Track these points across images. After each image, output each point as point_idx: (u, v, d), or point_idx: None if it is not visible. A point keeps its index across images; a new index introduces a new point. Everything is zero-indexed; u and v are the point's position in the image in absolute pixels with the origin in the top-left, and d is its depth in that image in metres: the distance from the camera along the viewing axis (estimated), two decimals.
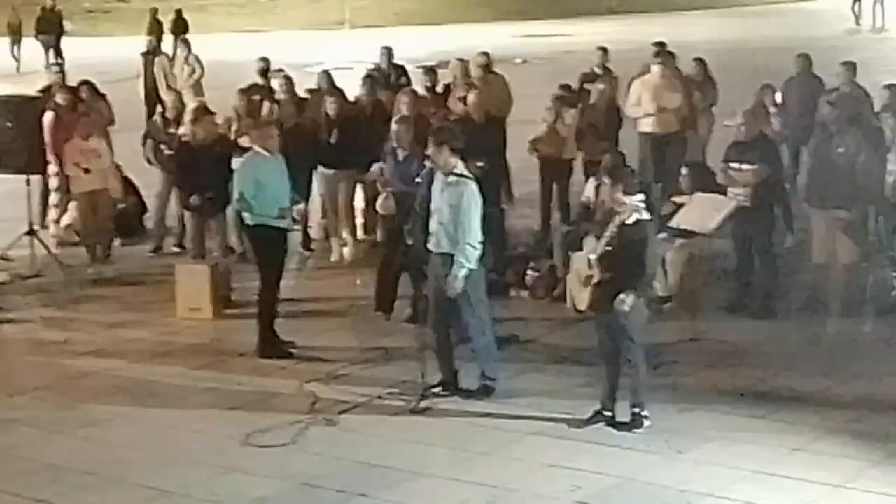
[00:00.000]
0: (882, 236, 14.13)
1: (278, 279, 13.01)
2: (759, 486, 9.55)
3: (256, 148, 13.08)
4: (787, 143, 17.50)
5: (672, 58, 18.60)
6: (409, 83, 19.00)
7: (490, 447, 10.48)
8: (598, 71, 19.43)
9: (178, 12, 41.39)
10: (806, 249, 13.91)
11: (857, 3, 46.27)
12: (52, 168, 17.28)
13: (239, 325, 13.32)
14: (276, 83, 17.65)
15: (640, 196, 10.71)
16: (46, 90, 18.89)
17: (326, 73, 18.18)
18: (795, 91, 18.18)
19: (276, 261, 13.00)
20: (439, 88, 18.41)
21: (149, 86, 25.27)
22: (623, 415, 10.74)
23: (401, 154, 13.48)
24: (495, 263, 13.49)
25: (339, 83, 18.14)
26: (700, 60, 19.01)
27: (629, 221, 10.52)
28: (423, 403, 11.33)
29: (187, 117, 15.62)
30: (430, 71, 18.67)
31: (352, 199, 16.44)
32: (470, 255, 11.30)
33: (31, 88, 19.22)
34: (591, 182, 14.07)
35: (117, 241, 17.20)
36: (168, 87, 24.91)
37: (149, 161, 17.21)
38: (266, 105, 17.18)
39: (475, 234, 11.34)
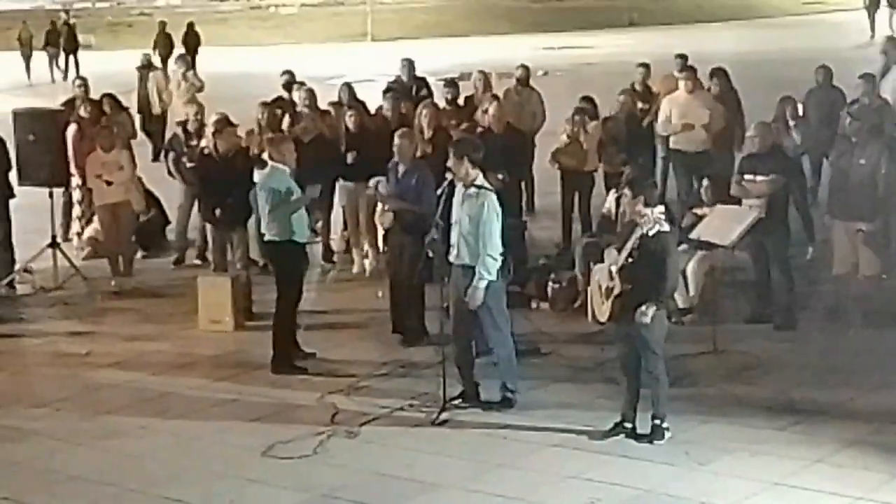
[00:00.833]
0: None
1: (298, 295, 13.02)
2: (779, 499, 9.53)
3: (273, 163, 13.10)
4: (808, 154, 17.46)
5: (694, 72, 18.28)
6: (430, 95, 19.02)
7: (510, 459, 10.48)
8: (638, 88, 18.81)
9: (190, 25, 41.29)
10: (827, 261, 13.88)
11: (873, 16, 46.04)
12: (76, 181, 17.36)
13: (260, 337, 13.35)
14: (297, 96, 17.70)
15: (661, 208, 10.72)
16: (69, 103, 18.99)
17: (348, 86, 18.21)
18: (816, 103, 18.12)
19: (295, 277, 13.01)
20: (461, 101, 18.42)
21: (142, 100, 25.43)
22: (644, 427, 10.73)
23: (401, 169, 13.50)
24: (516, 275, 13.48)
25: (361, 96, 18.17)
26: (722, 72, 18.83)
27: (650, 233, 10.53)
28: (444, 415, 11.34)
29: (209, 130, 15.66)
30: (452, 83, 18.67)
31: (373, 211, 16.46)
32: (490, 266, 11.31)
33: (43, 101, 19.30)
34: (613, 194, 14.07)
35: (139, 254, 17.26)
36: (161, 101, 25.12)
37: (170, 173, 17.25)
38: (287, 118, 17.22)
39: (496, 246, 11.36)
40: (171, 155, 17.17)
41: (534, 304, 14.60)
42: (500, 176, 13.84)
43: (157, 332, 14.38)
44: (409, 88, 19.30)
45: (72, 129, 17.19)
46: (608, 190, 14.95)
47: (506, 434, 11.00)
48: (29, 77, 41.40)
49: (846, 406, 11.29)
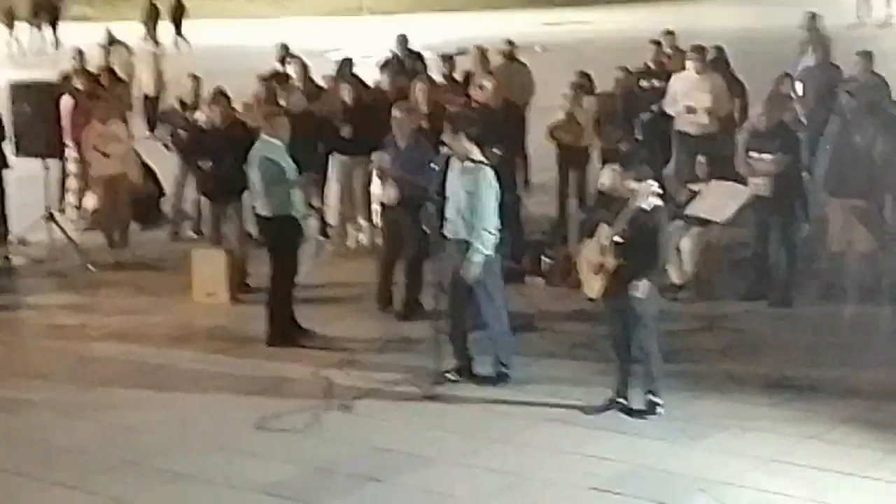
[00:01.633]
0: None
1: (293, 269, 13.01)
2: (773, 475, 9.54)
3: (266, 136, 13.04)
4: (804, 131, 17.44)
5: (703, 51, 17.83)
6: (425, 70, 18.98)
7: (504, 433, 10.50)
8: (651, 66, 18.56)
9: None
10: (823, 238, 13.89)
11: None
12: (70, 153, 17.34)
13: (255, 311, 13.34)
14: (290, 70, 17.65)
15: (653, 182, 10.69)
16: (66, 76, 18.97)
17: (348, 61, 18.11)
18: (813, 80, 18.11)
19: (291, 251, 12.99)
20: (457, 75, 18.39)
21: None
22: (637, 402, 10.74)
23: (400, 143, 13.47)
24: (511, 250, 13.48)
25: (356, 70, 18.13)
26: (718, 50, 18.76)
27: (646, 207, 10.51)
28: (438, 390, 11.35)
29: (203, 102, 15.63)
30: (447, 58, 18.64)
31: (368, 184, 16.46)
32: (486, 241, 11.31)
33: (27, 73, 19.27)
34: (607, 168, 14.06)
35: (135, 226, 17.24)
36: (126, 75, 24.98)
37: (166, 146, 17.23)
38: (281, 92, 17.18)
39: (492, 221, 11.35)
40: (168, 127, 17.15)
41: (528, 280, 14.61)
42: (496, 151, 13.80)
43: (152, 305, 14.38)
44: (403, 63, 19.27)
45: (67, 101, 17.16)
46: (604, 165, 14.95)
47: (500, 409, 11.00)
48: (18, 48, 41.26)
49: (841, 383, 11.29)
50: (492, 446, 10.28)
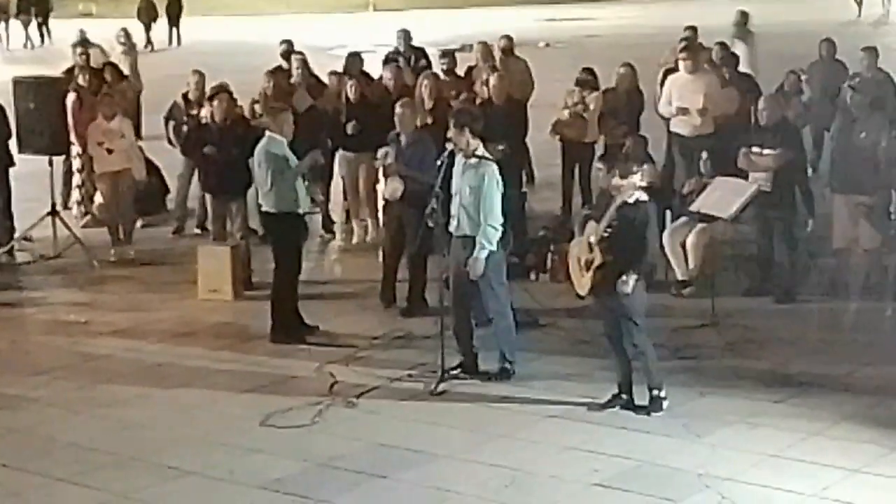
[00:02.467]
0: None
1: (298, 267, 13.00)
2: (777, 471, 9.54)
3: (270, 133, 13.03)
4: (809, 127, 17.42)
5: (699, 49, 17.39)
6: (429, 66, 18.97)
7: (508, 430, 10.49)
8: (671, 65, 17.84)
9: None
10: (827, 234, 13.88)
11: None
12: (75, 149, 17.34)
13: (259, 307, 13.34)
14: (294, 66, 17.64)
15: (639, 176, 10.65)
16: (69, 71, 18.97)
17: (356, 56, 18.07)
18: (819, 76, 18.09)
19: (294, 248, 12.98)
20: (459, 71, 18.37)
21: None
22: (641, 398, 10.73)
23: (404, 139, 13.46)
24: (516, 246, 13.48)
25: (364, 66, 18.10)
26: (723, 46, 18.67)
27: (630, 200, 10.48)
28: (442, 386, 11.35)
29: (207, 98, 15.63)
30: (448, 54, 18.62)
31: (373, 181, 16.45)
32: (491, 236, 11.30)
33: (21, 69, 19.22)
34: (594, 166, 14.05)
35: (139, 222, 17.25)
36: None
37: (171, 142, 17.24)
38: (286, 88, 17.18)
39: (496, 217, 11.34)
40: (172, 124, 17.15)
41: (533, 276, 14.61)
42: (500, 147, 13.80)
43: (156, 302, 14.38)
44: (406, 59, 19.26)
45: (71, 98, 17.16)
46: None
47: (504, 405, 11.00)
48: (7, 43, 41.25)
49: (844, 379, 11.29)
50: (496, 442, 10.27)
